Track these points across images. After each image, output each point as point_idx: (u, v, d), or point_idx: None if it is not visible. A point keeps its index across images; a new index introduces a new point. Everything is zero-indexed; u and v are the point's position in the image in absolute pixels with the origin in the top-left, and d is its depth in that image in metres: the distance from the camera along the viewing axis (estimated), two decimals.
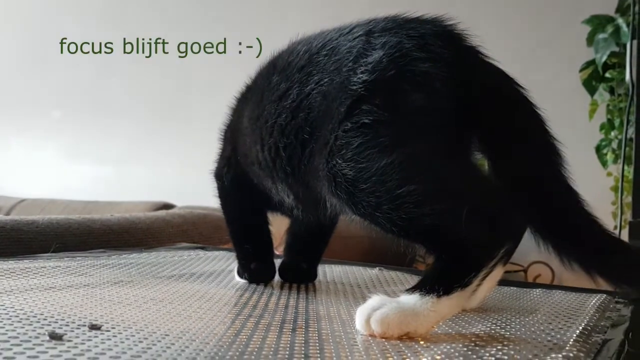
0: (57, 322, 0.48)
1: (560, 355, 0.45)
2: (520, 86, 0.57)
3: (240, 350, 0.44)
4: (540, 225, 0.55)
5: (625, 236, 1.20)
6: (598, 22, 1.53)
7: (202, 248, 1.10)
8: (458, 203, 0.51)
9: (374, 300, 0.51)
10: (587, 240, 0.55)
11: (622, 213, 1.36)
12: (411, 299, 0.50)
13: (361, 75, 0.54)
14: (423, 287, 0.50)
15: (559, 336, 0.52)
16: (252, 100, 0.70)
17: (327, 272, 0.89)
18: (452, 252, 0.51)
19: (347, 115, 0.54)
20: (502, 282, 0.80)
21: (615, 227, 1.38)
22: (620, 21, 1.49)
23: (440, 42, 0.54)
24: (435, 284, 0.50)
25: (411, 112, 0.53)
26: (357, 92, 0.54)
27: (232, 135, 0.77)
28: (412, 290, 0.51)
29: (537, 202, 0.55)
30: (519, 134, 0.56)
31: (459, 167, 0.55)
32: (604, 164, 1.56)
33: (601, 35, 1.50)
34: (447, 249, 0.51)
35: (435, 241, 0.52)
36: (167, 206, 2.03)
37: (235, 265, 0.79)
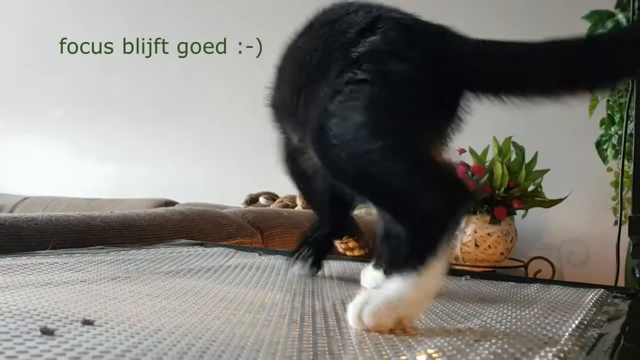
0: (49, 318, 0.48)
1: (554, 349, 0.44)
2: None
3: (231, 345, 0.43)
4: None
5: (625, 231, 1.20)
6: (598, 18, 1.52)
7: (201, 244, 1.10)
8: (425, 168, 0.54)
9: (362, 295, 0.52)
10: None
11: (622, 208, 1.36)
12: (393, 285, 0.51)
13: (358, 48, 0.60)
14: (399, 268, 0.51)
15: (554, 330, 0.52)
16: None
17: (326, 267, 0.89)
18: (419, 215, 0.53)
19: (337, 75, 0.59)
20: (501, 277, 0.80)
21: (616, 222, 1.38)
22: (620, 16, 1.48)
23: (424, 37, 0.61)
24: (408, 260, 0.51)
25: (396, 81, 0.58)
26: (351, 58, 0.59)
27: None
28: (389, 274, 0.52)
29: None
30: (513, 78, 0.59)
31: (425, 142, 0.59)
32: (605, 159, 1.55)
33: (601, 31, 1.49)
34: (414, 212, 0.53)
35: (402, 201, 0.54)
36: (169, 203, 2.02)
37: (232, 262, 0.79)
